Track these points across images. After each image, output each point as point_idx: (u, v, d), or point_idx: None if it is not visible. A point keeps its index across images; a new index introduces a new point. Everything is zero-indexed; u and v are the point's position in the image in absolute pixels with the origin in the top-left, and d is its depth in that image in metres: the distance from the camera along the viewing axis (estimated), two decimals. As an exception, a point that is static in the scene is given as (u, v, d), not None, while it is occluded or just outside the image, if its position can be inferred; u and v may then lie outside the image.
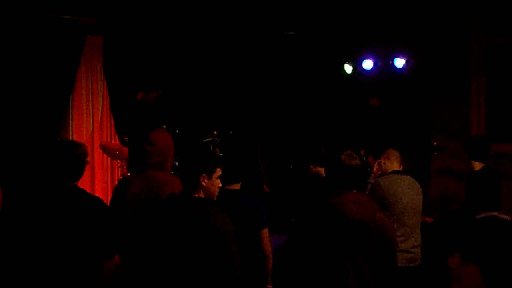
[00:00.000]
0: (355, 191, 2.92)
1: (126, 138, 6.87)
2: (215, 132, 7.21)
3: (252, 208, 3.55)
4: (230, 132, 7.54)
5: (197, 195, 2.84)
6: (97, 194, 8.03)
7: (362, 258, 2.80)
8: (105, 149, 7.24)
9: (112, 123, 8.04)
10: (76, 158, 3.00)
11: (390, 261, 2.91)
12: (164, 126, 6.24)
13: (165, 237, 2.78)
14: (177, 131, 6.79)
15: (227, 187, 3.69)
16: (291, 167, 7.56)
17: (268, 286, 3.57)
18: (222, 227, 2.71)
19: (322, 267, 2.80)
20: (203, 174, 2.84)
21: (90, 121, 8.04)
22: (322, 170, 4.38)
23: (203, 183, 2.84)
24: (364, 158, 3.93)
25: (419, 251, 4.14)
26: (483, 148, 4.56)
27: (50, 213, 2.87)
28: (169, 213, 2.81)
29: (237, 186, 3.70)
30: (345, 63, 7.84)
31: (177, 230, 2.75)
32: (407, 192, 4.10)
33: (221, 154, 7.08)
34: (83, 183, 8.10)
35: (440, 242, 4.65)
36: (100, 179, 8.13)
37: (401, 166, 4.37)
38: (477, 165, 4.52)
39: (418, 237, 4.14)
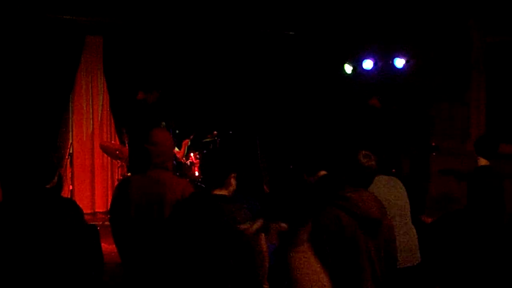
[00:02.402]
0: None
1: (126, 138, 6.88)
2: (215, 132, 7.21)
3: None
4: (230, 132, 7.53)
5: (220, 193, 2.90)
6: (97, 194, 8.09)
7: (375, 253, 2.90)
8: (105, 149, 7.24)
9: (112, 123, 8.05)
10: (45, 161, 2.98)
11: (394, 259, 3.02)
12: (164, 124, 6.24)
13: (188, 234, 2.82)
14: (177, 131, 6.79)
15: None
16: (291, 167, 7.55)
17: (265, 286, 3.57)
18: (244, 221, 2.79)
19: (338, 260, 2.87)
20: (233, 174, 2.94)
21: (90, 121, 8.05)
22: None
23: (232, 182, 2.94)
24: None
25: (409, 253, 4.02)
26: (491, 146, 4.56)
27: (19, 218, 2.84)
28: (194, 210, 2.86)
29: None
30: (345, 63, 7.84)
31: (201, 228, 2.79)
32: (387, 192, 3.97)
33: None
34: (83, 183, 8.16)
35: (440, 242, 4.65)
36: (100, 179, 8.14)
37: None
38: (482, 162, 4.51)
39: (406, 238, 4.00)
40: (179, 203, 3.02)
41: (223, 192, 2.91)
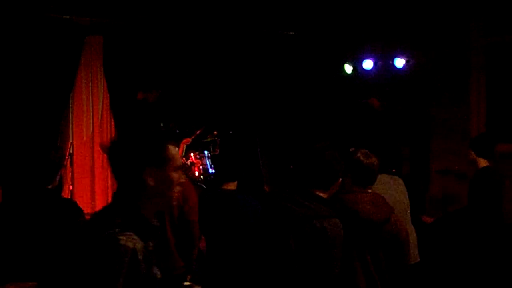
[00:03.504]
0: (370, 190, 2.95)
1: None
2: (215, 132, 7.21)
3: (248, 208, 3.55)
4: (230, 132, 7.54)
5: (321, 195, 2.77)
6: (97, 194, 8.09)
7: (372, 258, 2.81)
8: (105, 149, 7.23)
9: (112, 123, 8.04)
10: (47, 161, 2.97)
11: (401, 263, 2.92)
12: (162, 124, 6.24)
13: (270, 231, 2.72)
14: (177, 131, 6.79)
15: (223, 187, 3.69)
16: (291, 167, 7.55)
17: None
18: (330, 229, 2.62)
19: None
20: (340, 179, 2.81)
21: (90, 121, 8.05)
22: None
23: (337, 187, 2.83)
24: None
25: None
26: (489, 145, 4.56)
27: (19, 218, 2.83)
28: (279, 206, 2.74)
29: (233, 186, 3.70)
30: (345, 63, 7.84)
31: (285, 225, 2.68)
32: (387, 191, 3.96)
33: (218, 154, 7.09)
34: (84, 183, 8.16)
35: (440, 242, 4.65)
36: (100, 179, 8.13)
37: None
38: (483, 163, 4.51)
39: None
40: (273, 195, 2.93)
41: (324, 195, 2.76)
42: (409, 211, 3.96)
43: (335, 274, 2.65)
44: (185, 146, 6.97)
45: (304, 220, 2.62)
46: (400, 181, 4.03)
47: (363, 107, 7.33)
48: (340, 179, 2.79)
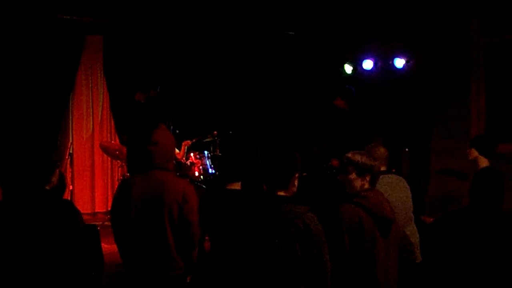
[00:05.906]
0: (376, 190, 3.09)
1: (126, 138, 6.87)
2: (215, 132, 7.20)
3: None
4: (230, 132, 7.53)
5: (283, 194, 2.76)
6: (97, 194, 8.09)
7: (384, 253, 2.92)
8: (105, 149, 7.24)
9: (112, 123, 8.05)
10: (41, 161, 2.96)
11: (403, 259, 3.05)
12: (168, 123, 6.22)
13: (254, 237, 2.72)
14: (177, 131, 6.79)
15: (227, 187, 3.70)
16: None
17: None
18: (312, 225, 2.64)
19: (349, 257, 2.91)
20: (297, 174, 2.79)
21: (90, 121, 8.05)
22: None
23: (295, 183, 2.79)
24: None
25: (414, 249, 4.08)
26: (491, 145, 4.58)
27: (16, 218, 2.83)
28: (258, 211, 2.74)
29: (237, 186, 3.71)
30: (345, 63, 7.83)
31: (267, 230, 2.67)
32: (392, 192, 3.99)
33: (220, 154, 7.08)
34: (83, 183, 8.16)
35: (440, 242, 4.65)
36: (100, 179, 8.14)
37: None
38: (484, 162, 4.52)
39: (411, 235, 4.06)
40: (239, 203, 2.98)
41: (286, 193, 2.75)
42: (412, 211, 4.00)
43: (329, 269, 2.67)
44: (186, 148, 6.96)
45: (286, 223, 2.62)
46: (404, 181, 4.08)
47: (328, 108, 7.11)
48: (297, 174, 2.77)
